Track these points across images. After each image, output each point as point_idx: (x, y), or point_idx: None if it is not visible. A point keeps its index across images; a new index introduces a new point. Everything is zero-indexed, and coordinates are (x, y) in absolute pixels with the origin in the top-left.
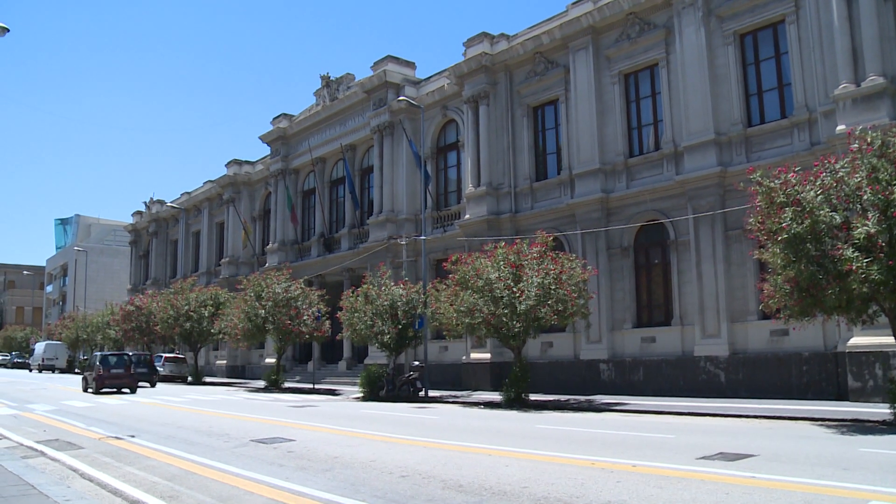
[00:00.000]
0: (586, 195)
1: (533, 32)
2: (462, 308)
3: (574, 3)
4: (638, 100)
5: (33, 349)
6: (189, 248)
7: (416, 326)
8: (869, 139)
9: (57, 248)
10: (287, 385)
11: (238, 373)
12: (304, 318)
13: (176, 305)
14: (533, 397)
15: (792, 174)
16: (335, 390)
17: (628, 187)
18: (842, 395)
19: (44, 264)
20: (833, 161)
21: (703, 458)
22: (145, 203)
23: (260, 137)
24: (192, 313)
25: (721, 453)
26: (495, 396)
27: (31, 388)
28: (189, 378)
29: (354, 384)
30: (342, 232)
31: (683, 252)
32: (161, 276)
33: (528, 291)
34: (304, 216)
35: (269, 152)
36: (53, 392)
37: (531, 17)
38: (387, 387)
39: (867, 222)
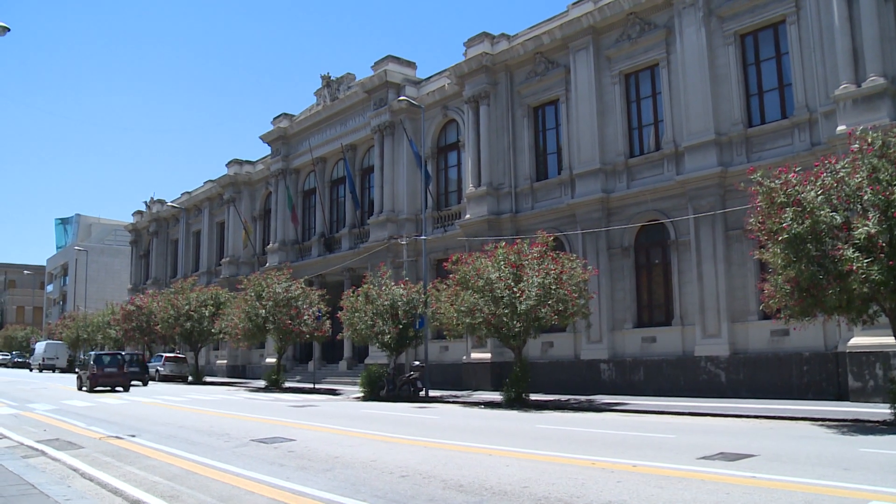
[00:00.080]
0: (587, 195)
1: (533, 32)
2: (462, 308)
3: (574, 4)
4: (638, 100)
5: (34, 349)
6: (189, 247)
7: (417, 326)
8: (869, 139)
9: (57, 248)
10: (287, 385)
11: (238, 372)
12: (305, 317)
13: (176, 305)
14: (533, 397)
15: (792, 174)
16: (336, 390)
17: (629, 187)
18: (842, 395)
19: (44, 264)
20: (833, 161)
21: (704, 458)
22: (146, 203)
23: (260, 137)
24: (192, 313)
25: (722, 453)
26: (496, 396)
27: (32, 387)
28: (189, 378)
29: (355, 384)
30: (343, 232)
31: (684, 252)
32: (161, 276)
33: (529, 291)
34: (305, 216)
35: (269, 152)
36: (54, 391)
37: (532, 18)
38: (387, 387)
39: (868, 222)
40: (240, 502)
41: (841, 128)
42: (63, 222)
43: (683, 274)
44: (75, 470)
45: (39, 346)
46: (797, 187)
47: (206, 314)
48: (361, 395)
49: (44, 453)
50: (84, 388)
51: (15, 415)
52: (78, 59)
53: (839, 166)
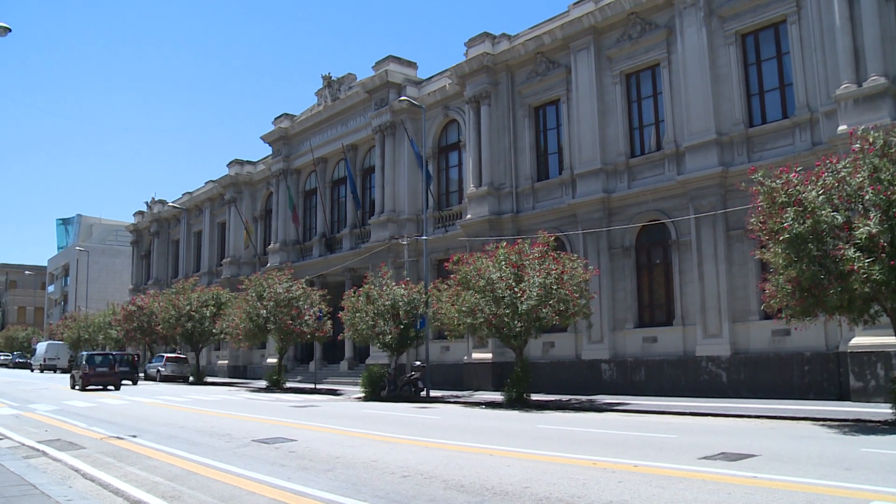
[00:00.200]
0: (588, 195)
1: (534, 32)
2: (463, 308)
3: (575, 4)
4: (639, 100)
5: (35, 349)
6: (191, 248)
7: (418, 326)
8: (871, 139)
9: (58, 248)
10: (288, 385)
11: (239, 373)
12: (306, 318)
13: (177, 305)
14: (534, 397)
15: (793, 174)
16: (337, 390)
17: (630, 187)
18: (843, 395)
19: (45, 264)
20: (835, 161)
21: (705, 458)
22: (147, 203)
23: (261, 137)
24: (193, 313)
25: (723, 453)
26: (497, 396)
27: (33, 387)
28: (191, 378)
29: (356, 384)
30: (344, 232)
31: (685, 252)
32: (163, 276)
33: (530, 291)
34: (306, 216)
35: (270, 152)
36: (55, 392)
37: (532, 18)
38: (388, 387)
39: (869, 222)
40: (241, 502)
41: (842, 127)
42: (64, 223)
43: (684, 274)
44: (76, 470)
45: (40, 347)
46: (798, 187)
47: (207, 314)
48: (362, 395)
49: (45, 454)
50: (77, 387)
51: (16, 415)
52: (78, 59)
53: (840, 166)
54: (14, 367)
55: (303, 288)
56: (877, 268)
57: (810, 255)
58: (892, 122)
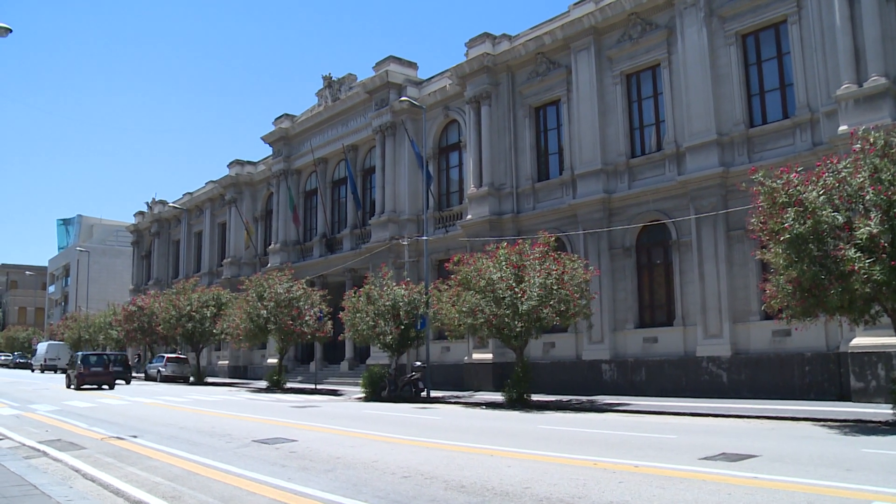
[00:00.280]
0: (588, 195)
1: (535, 33)
2: (464, 308)
3: (576, 4)
4: (640, 100)
5: (35, 349)
6: (191, 248)
7: (418, 327)
8: (871, 139)
9: (59, 249)
10: (289, 385)
11: (240, 373)
12: (306, 318)
13: (178, 306)
14: (535, 398)
15: (794, 174)
16: (337, 391)
17: (630, 188)
18: (844, 395)
19: (46, 264)
20: (835, 161)
21: (706, 458)
22: (147, 203)
23: (262, 138)
24: (194, 313)
25: (723, 454)
26: (497, 397)
27: (34, 388)
28: (191, 378)
29: (356, 384)
30: (344, 232)
31: (685, 252)
32: (163, 277)
33: (530, 292)
34: (306, 217)
35: (271, 153)
36: (55, 392)
37: (533, 18)
38: (389, 387)
39: (869, 222)
40: (241, 503)
41: (843, 128)
42: (65, 223)
43: (685, 274)
44: (77, 471)
45: (41, 347)
46: (799, 187)
47: (208, 315)
48: (363, 395)
49: (46, 454)
50: (72, 386)
51: (17, 415)
52: (79, 59)
53: (841, 166)
54: (15, 368)
55: (303, 288)
56: (877, 268)
57: (811, 255)
58: (893, 123)
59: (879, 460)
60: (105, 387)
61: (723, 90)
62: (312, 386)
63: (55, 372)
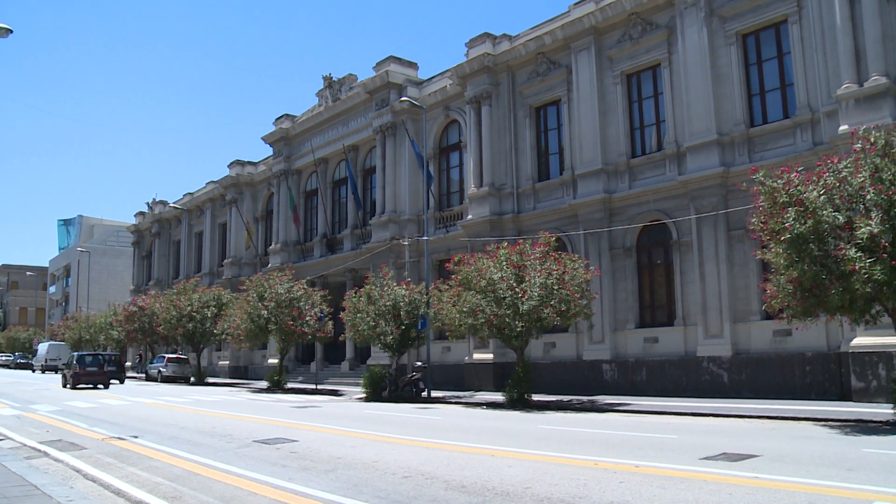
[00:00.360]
0: (589, 195)
1: (535, 33)
2: (465, 308)
3: (576, 4)
4: (640, 100)
5: (36, 350)
6: (192, 248)
7: (419, 327)
8: (872, 139)
9: (60, 249)
10: (289, 386)
11: (241, 373)
12: (307, 318)
13: (179, 306)
14: (536, 398)
15: (795, 174)
16: (338, 391)
17: (631, 187)
18: (845, 395)
19: (47, 265)
20: (836, 161)
21: (707, 458)
22: (148, 204)
23: (262, 138)
24: (194, 314)
25: (724, 454)
26: (498, 397)
27: (34, 388)
28: (192, 379)
29: (357, 385)
30: (345, 232)
31: (686, 252)
32: (164, 277)
33: (531, 292)
34: (307, 217)
35: (271, 153)
36: (56, 392)
37: (533, 18)
38: (389, 387)
39: (870, 222)
40: (242, 503)
41: (843, 127)
42: (65, 223)
43: (685, 274)
44: (78, 471)
45: (42, 348)
46: (799, 187)
47: (209, 315)
48: (363, 395)
49: (46, 454)
50: (67, 386)
51: (18, 416)
52: (79, 59)
53: (841, 166)
54: (16, 368)
55: (304, 288)
56: (878, 268)
57: (811, 255)
58: (894, 122)
59: (880, 460)
60: (100, 386)
61: (723, 90)
62: (313, 386)
63: (56, 372)
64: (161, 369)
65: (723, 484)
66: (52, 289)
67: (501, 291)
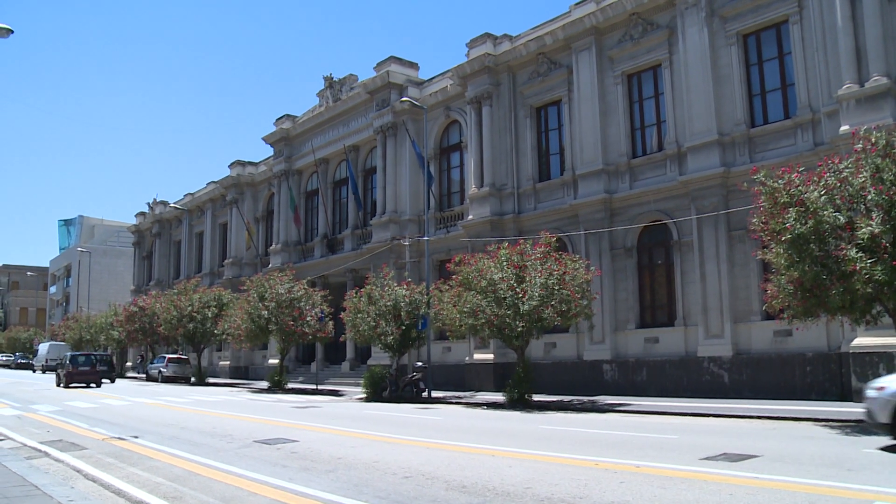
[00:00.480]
0: (589, 196)
1: (536, 33)
2: (465, 309)
3: (577, 4)
4: (641, 100)
5: (37, 350)
6: (192, 249)
7: (420, 327)
8: (873, 139)
9: (60, 249)
10: (290, 386)
11: (241, 374)
12: (308, 318)
13: (179, 306)
14: (536, 398)
15: (795, 174)
16: (338, 391)
17: (631, 188)
18: (845, 395)
19: (47, 265)
20: (837, 161)
21: (707, 458)
22: (148, 204)
23: (263, 138)
24: (195, 314)
25: (724, 454)
26: (498, 397)
27: (35, 388)
28: (192, 379)
29: (357, 385)
30: (345, 233)
31: (687, 252)
32: (164, 277)
33: (532, 292)
34: (308, 217)
35: (272, 153)
36: (57, 393)
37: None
38: (390, 388)
39: (871, 222)
40: (242, 503)
41: (844, 128)
42: (66, 224)
43: (686, 274)
44: (78, 471)
45: (43, 348)
46: (800, 187)
47: (209, 315)
48: (364, 396)
49: (47, 454)
50: (61, 385)
51: (18, 416)
52: (80, 59)
53: (842, 166)
54: (16, 368)
55: (304, 289)
56: (879, 268)
57: (812, 255)
58: (895, 122)
59: (881, 460)
60: (92, 385)
61: (724, 90)
62: (314, 386)
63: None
64: (162, 369)
65: (723, 484)
66: (52, 289)
67: (502, 292)
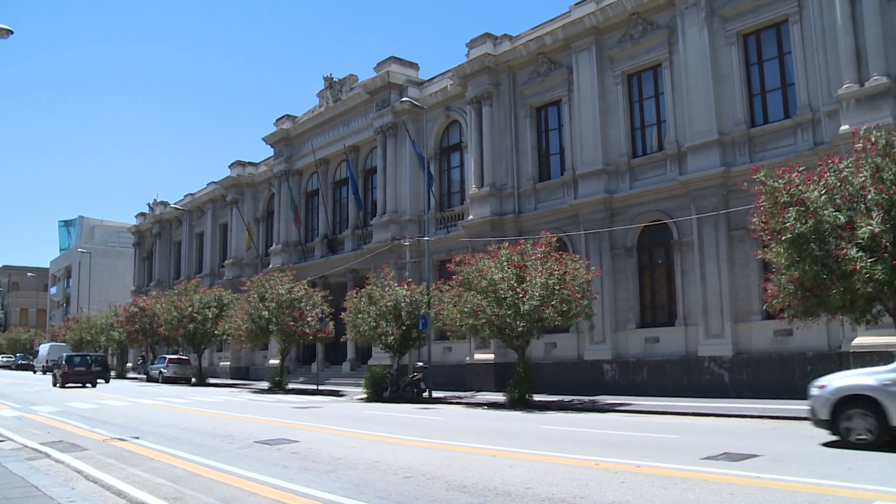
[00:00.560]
0: (590, 196)
1: (536, 33)
2: (466, 309)
3: (577, 4)
4: (641, 100)
5: (37, 351)
6: (192, 249)
7: (420, 327)
8: (873, 139)
9: (61, 250)
10: (291, 386)
11: (242, 374)
12: (308, 319)
13: (179, 307)
14: (537, 398)
15: (795, 174)
16: (339, 391)
17: (632, 188)
18: None
19: (48, 266)
20: (837, 161)
21: (708, 458)
22: (149, 204)
23: (263, 139)
24: (195, 315)
25: (725, 453)
26: (499, 397)
27: (35, 389)
28: (193, 379)
29: (358, 385)
30: (346, 233)
31: (687, 252)
32: (165, 278)
33: (532, 292)
34: (308, 217)
35: (272, 153)
36: (57, 394)
37: (534, 18)
38: (390, 388)
39: (871, 222)
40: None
41: (844, 127)
42: (66, 224)
43: (686, 274)
44: (79, 472)
45: (43, 349)
46: (800, 187)
47: (210, 316)
48: (365, 396)
49: (48, 455)
50: (57, 385)
51: (19, 417)
52: (80, 59)
53: (842, 166)
54: (17, 370)
55: (305, 289)
56: (879, 267)
57: (812, 254)
58: (894, 122)
59: (881, 460)
60: (88, 385)
61: (724, 90)
62: (314, 387)
63: None
64: (162, 370)
65: (724, 484)
66: (52, 290)
67: (502, 292)
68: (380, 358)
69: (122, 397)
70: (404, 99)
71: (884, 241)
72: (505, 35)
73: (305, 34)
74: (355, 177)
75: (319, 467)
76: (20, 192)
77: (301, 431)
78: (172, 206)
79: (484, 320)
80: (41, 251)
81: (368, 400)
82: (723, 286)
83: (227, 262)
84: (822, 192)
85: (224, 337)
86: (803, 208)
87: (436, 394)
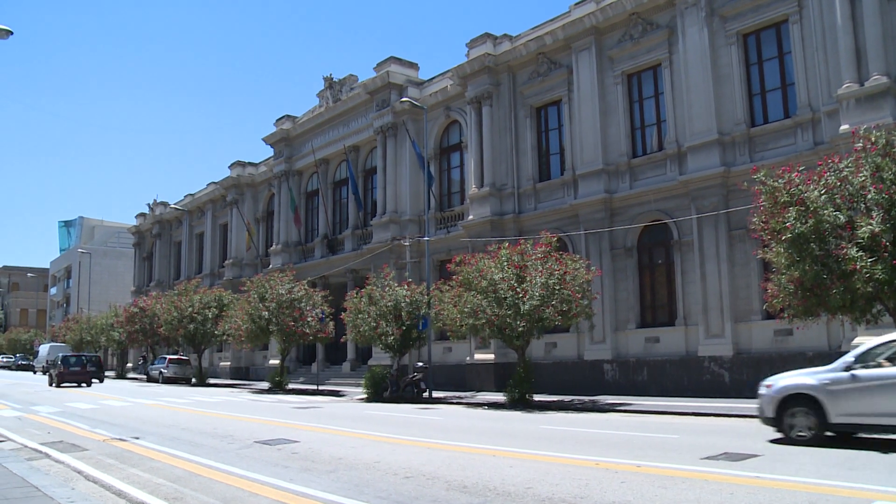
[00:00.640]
0: (590, 196)
1: (536, 33)
2: (466, 309)
3: (577, 4)
4: (641, 100)
5: (37, 351)
6: (192, 249)
7: (420, 327)
8: (873, 138)
9: (61, 251)
10: (291, 386)
11: (242, 374)
12: (308, 319)
13: (180, 307)
14: (537, 398)
15: (795, 174)
16: (339, 391)
17: (632, 188)
18: None
19: (48, 266)
20: (837, 160)
21: (708, 458)
22: (149, 205)
23: (263, 139)
24: (195, 315)
25: (725, 453)
26: (499, 397)
27: (35, 389)
28: (193, 380)
29: (358, 385)
30: (346, 233)
31: (687, 252)
32: (165, 278)
33: (532, 292)
34: (308, 217)
35: (272, 154)
36: (57, 394)
37: (534, 18)
38: (391, 388)
39: (871, 222)
40: None
41: (844, 127)
42: (66, 225)
43: (687, 274)
44: (79, 472)
45: (43, 349)
46: (800, 187)
47: (210, 316)
48: (365, 396)
49: (48, 455)
50: (53, 384)
51: (19, 417)
52: (80, 60)
53: (842, 165)
54: (17, 370)
55: (305, 289)
56: (879, 267)
57: (812, 254)
58: (894, 122)
59: (882, 460)
60: (83, 384)
61: (724, 90)
62: (314, 387)
63: None
64: (162, 370)
65: (724, 484)
66: (52, 290)
67: (502, 292)
68: (380, 358)
69: (122, 397)
70: (404, 99)
71: (884, 240)
72: (505, 35)
73: (305, 34)
74: (355, 177)
75: (319, 467)
76: (20, 192)
77: (301, 431)
78: (172, 206)
79: (484, 320)
80: (41, 251)
81: (368, 400)
82: (723, 286)
83: (227, 262)
84: (822, 191)
85: (224, 337)
86: (803, 208)
87: (436, 394)
